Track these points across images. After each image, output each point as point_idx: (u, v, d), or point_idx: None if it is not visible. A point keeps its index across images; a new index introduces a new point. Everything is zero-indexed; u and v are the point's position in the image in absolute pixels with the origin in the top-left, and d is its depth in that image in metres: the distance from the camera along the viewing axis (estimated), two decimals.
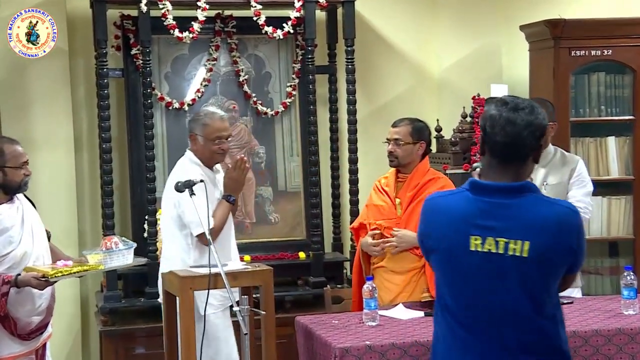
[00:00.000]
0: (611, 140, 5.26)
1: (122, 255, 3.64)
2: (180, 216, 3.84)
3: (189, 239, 3.84)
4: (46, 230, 3.74)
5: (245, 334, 3.33)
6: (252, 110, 5.35)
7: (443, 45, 5.74)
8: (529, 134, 2.31)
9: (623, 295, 3.68)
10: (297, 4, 5.06)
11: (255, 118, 5.36)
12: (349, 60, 5.22)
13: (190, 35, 4.95)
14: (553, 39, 5.18)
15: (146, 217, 4.91)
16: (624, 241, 5.30)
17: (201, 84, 5.25)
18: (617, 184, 5.30)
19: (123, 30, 5.14)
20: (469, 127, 5.24)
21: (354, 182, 5.30)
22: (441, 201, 2.42)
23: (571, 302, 3.88)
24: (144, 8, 4.81)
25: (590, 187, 4.20)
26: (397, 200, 3.96)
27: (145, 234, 4.92)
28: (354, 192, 5.29)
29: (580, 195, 4.12)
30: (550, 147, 4.15)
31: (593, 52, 5.20)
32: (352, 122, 5.29)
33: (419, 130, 4.00)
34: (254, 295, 3.72)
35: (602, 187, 5.09)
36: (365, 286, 3.58)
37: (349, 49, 5.22)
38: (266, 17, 5.03)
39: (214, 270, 3.45)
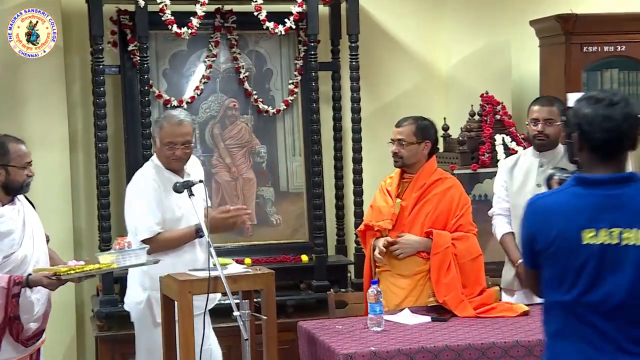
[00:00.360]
0: None
1: (135, 255, 3.67)
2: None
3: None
4: (45, 234, 3.76)
5: (246, 339, 3.33)
6: (253, 109, 5.35)
7: (450, 40, 5.74)
8: (628, 127, 2.45)
9: None
10: None
11: (256, 116, 5.36)
12: (353, 57, 5.22)
13: (189, 31, 4.95)
14: (564, 34, 5.17)
15: None
16: None
17: (200, 81, 5.26)
18: None
19: (120, 25, 5.15)
20: (477, 126, 5.24)
21: (358, 182, 5.30)
22: (548, 200, 2.50)
23: None
24: (141, 3, 4.82)
25: None
26: (398, 201, 3.96)
27: None
28: (358, 193, 5.30)
29: None
30: (560, 147, 4.15)
31: (606, 48, 5.19)
32: (356, 121, 5.29)
33: (423, 129, 4.00)
34: (255, 300, 3.73)
35: None
36: (370, 290, 3.58)
37: (353, 44, 5.22)
38: (267, 12, 5.03)
39: (213, 273, 3.45)
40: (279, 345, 3.66)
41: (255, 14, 5.03)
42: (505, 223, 4.20)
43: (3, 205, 3.54)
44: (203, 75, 5.26)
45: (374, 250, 3.99)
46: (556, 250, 2.41)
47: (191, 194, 3.69)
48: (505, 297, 4.15)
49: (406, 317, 3.70)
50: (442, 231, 3.88)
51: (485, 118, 5.24)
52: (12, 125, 4.92)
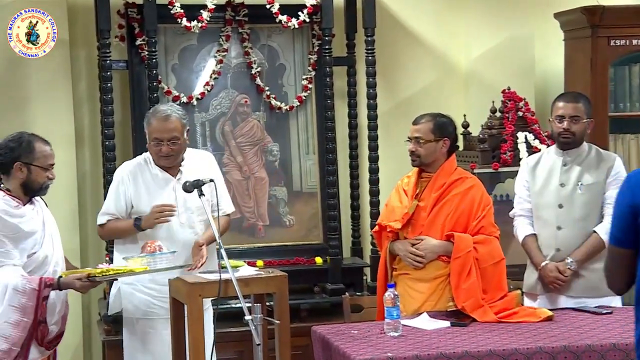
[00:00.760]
0: None
1: (166, 258, 3.75)
2: None
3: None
4: None
5: (258, 344, 3.34)
6: (265, 105, 5.37)
7: (471, 34, 5.73)
8: None
9: None
10: None
11: (269, 113, 5.37)
12: (369, 51, 5.22)
13: (199, 25, 4.97)
14: (590, 27, 5.16)
15: None
16: None
17: (211, 77, 5.27)
18: None
19: (127, 19, 5.17)
20: (499, 123, 5.23)
21: (374, 182, 5.30)
22: None
23: (610, 312, 3.87)
24: None
25: None
26: (415, 202, 3.96)
27: None
28: (374, 193, 5.30)
29: None
30: (585, 145, 4.14)
31: (634, 42, 5.17)
32: (373, 118, 5.29)
33: (441, 127, 3.99)
34: (268, 304, 3.74)
35: None
36: (386, 294, 3.58)
37: (369, 38, 5.22)
38: (280, 5, 5.04)
39: (224, 276, 3.47)
40: (292, 350, 3.67)
41: (268, 6, 5.04)
42: (527, 224, 4.19)
43: (24, 205, 3.59)
44: (213, 71, 5.27)
45: (391, 254, 3.99)
46: None
47: (201, 194, 3.72)
48: (527, 302, 4.15)
49: (424, 322, 3.70)
50: (464, 234, 3.87)
51: (507, 115, 5.23)
52: (16, 122, 4.95)
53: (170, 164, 3.96)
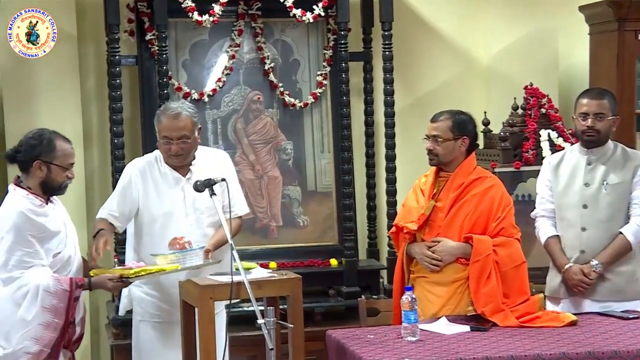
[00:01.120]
0: None
1: (196, 255, 3.77)
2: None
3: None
4: None
5: (271, 349, 3.35)
6: (279, 102, 5.37)
7: (492, 28, 5.71)
8: None
9: None
10: None
11: (282, 110, 5.38)
12: (387, 46, 5.22)
13: (211, 19, 4.98)
14: (617, 20, 5.14)
15: None
16: None
17: (222, 73, 5.29)
18: None
19: (137, 13, 5.19)
20: (521, 121, 5.22)
21: (391, 181, 5.30)
22: None
23: (637, 317, 3.85)
24: None
25: None
26: (431, 202, 3.95)
27: None
28: (391, 193, 5.30)
29: None
30: (610, 143, 4.13)
31: None
32: (390, 115, 5.29)
33: (460, 124, 3.98)
34: (281, 307, 3.74)
35: None
36: (404, 297, 3.58)
37: (386, 33, 5.22)
38: None
39: (236, 278, 3.48)
40: (306, 355, 3.68)
41: (282, 0, 5.05)
42: (549, 225, 4.17)
43: (46, 204, 3.61)
44: (225, 67, 5.29)
45: (408, 256, 3.99)
46: None
47: (212, 194, 3.73)
48: (550, 306, 4.13)
49: (443, 327, 3.70)
50: (483, 236, 3.86)
51: (529, 112, 5.22)
52: (23, 120, 4.99)
53: (180, 163, 3.97)
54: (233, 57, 5.29)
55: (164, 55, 4.96)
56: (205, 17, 4.97)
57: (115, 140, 4.95)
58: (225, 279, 3.56)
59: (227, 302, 3.69)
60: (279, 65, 5.38)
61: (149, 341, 4.00)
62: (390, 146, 5.29)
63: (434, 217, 3.96)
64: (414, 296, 3.58)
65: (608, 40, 5.23)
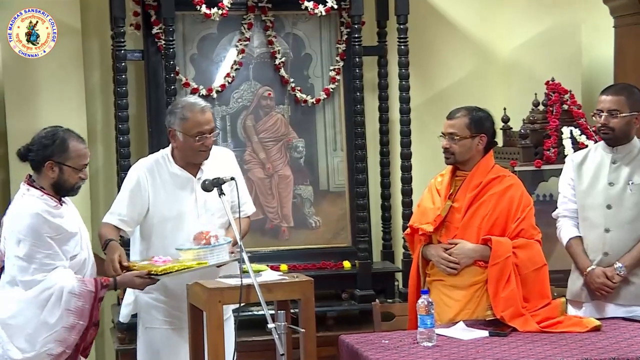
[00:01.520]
0: None
1: (223, 250, 3.77)
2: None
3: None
4: None
5: (282, 355, 3.36)
6: (290, 98, 5.39)
7: (512, 21, 5.71)
8: None
9: None
10: None
11: (294, 107, 5.39)
12: (402, 40, 5.22)
13: (220, 12, 5.00)
14: None
15: None
16: None
17: (232, 68, 5.30)
18: None
19: (143, 6, 5.21)
20: (542, 117, 5.22)
21: (406, 180, 5.30)
22: None
23: None
24: None
25: None
26: (448, 202, 3.96)
27: None
28: (407, 193, 5.30)
29: None
30: (635, 141, 4.11)
31: None
32: (405, 112, 5.29)
33: (477, 122, 3.98)
34: (292, 311, 3.75)
35: None
36: (420, 301, 3.58)
37: (401, 26, 5.22)
38: None
39: (246, 281, 3.49)
40: None
41: None
42: (571, 226, 4.17)
43: (61, 206, 3.63)
44: (235, 61, 5.30)
45: (424, 259, 3.99)
46: None
47: (221, 193, 3.74)
48: (572, 310, 4.13)
49: (461, 331, 3.70)
50: (502, 238, 3.86)
51: (551, 108, 5.21)
52: (25, 117, 5.02)
53: (206, 158, 3.99)
54: (243, 51, 5.30)
55: (171, 50, 4.98)
56: (214, 10, 4.98)
57: (121, 138, 4.97)
58: (235, 281, 3.57)
59: (236, 306, 3.70)
60: (290, 60, 5.39)
61: (157, 348, 4.01)
62: (406, 144, 5.30)
63: (451, 218, 3.96)
64: (430, 300, 3.59)
65: (634, 33, 5.21)
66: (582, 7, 5.67)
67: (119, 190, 5.04)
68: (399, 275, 5.36)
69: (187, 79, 5.23)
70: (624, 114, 4.02)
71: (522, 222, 3.90)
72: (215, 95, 5.24)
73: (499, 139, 5.24)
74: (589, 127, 5.16)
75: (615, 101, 4.03)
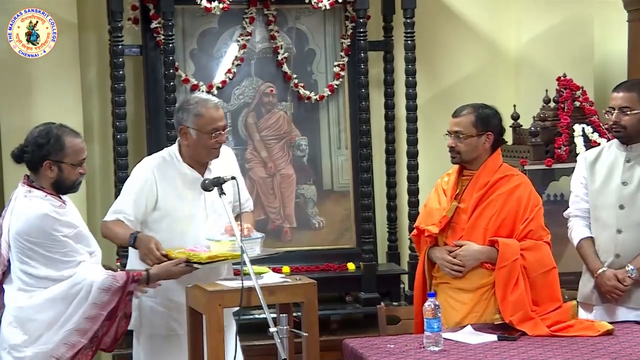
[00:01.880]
0: None
1: (257, 243, 3.78)
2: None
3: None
4: None
5: (284, 359, 3.37)
6: (293, 94, 5.40)
7: (522, 15, 5.71)
8: None
9: None
10: None
11: (297, 103, 5.41)
12: (409, 35, 5.23)
13: (221, 6, 5.01)
14: None
15: None
16: None
17: (233, 64, 5.31)
18: None
19: (141, 0, 5.22)
20: (553, 114, 5.22)
21: (413, 180, 5.31)
22: None
23: None
24: None
25: None
26: (454, 203, 3.96)
27: None
28: (413, 192, 5.31)
29: None
30: None
31: None
32: (412, 109, 5.30)
33: (484, 119, 3.98)
34: (295, 314, 3.76)
35: None
36: (426, 304, 3.59)
37: (408, 21, 5.23)
38: None
39: (247, 284, 3.50)
40: None
41: None
42: (583, 226, 4.17)
43: (64, 205, 3.65)
44: (236, 57, 5.31)
45: (430, 261, 4.00)
46: None
47: (222, 193, 3.75)
48: (582, 314, 4.13)
49: (468, 336, 3.71)
50: (509, 240, 3.86)
51: (562, 105, 5.22)
52: (20, 114, 5.03)
53: (217, 156, 3.99)
54: (244, 46, 5.31)
55: (170, 45, 4.99)
56: (215, 3, 4.99)
57: (118, 136, 4.98)
58: (235, 284, 3.58)
59: (237, 310, 3.70)
60: (293, 55, 5.40)
61: (160, 355, 3.99)
62: (412, 142, 5.30)
63: (457, 219, 3.97)
64: (437, 303, 3.59)
65: None
66: (595, 0, 5.67)
67: (116, 189, 5.08)
68: (404, 278, 5.37)
69: (186, 75, 5.24)
70: (636, 111, 4.02)
71: (530, 223, 3.90)
72: (215, 92, 5.24)
73: (509, 137, 5.25)
74: (601, 124, 5.16)
75: (626, 98, 4.03)
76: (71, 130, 3.69)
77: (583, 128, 5.16)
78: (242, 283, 3.52)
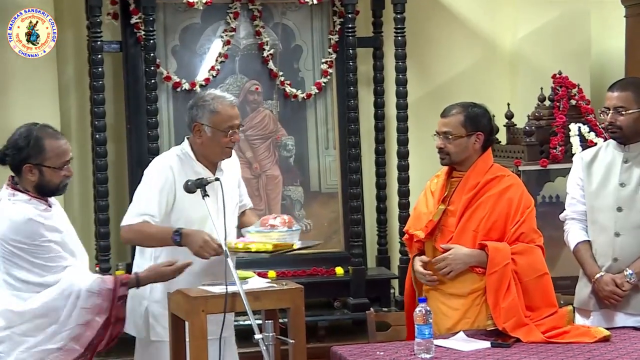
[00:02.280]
0: None
1: (296, 236, 3.81)
2: None
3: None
4: None
5: None
6: (279, 93, 5.40)
7: (517, 11, 5.73)
8: None
9: None
10: None
11: (283, 102, 5.41)
12: (399, 31, 5.25)
13: (203, 0, 5.01)
14: None
15: None
16: None
17: (216, 61, 5.32)
18: None
19: None
20: (548, 113, 5.24)
21: (403, 181, 5.33)
22: None
23: None
24: None
25: None
26: (441, 207, 3.97)
27: None
28: (404, 194, 5.32)
29: None
30: None
31: None
32: (402, 107, 5.31)
33: (473, 119, 3.98)
34: (281, 321, 3.77)
35: None
36: (417, 310, 3.59)
37: (398, 16, 5.24)
38: None
39: (231, 289, 3.50)
40: None
41: None
42: (579, 229, 4.18)
43: (50, 208, 3.63)
44: (220, 53, 5.32)
45: (413, 271, 4.02)
46: None
47: (205, 195, 3.75)
48: (579, 319, 4.15)
49: (461, 342, 3.72)
50: (500, 244, 3.86)
51: (557, 103, 5.23)
52: None
53: (230, 156, 4.00)
54: (228, 42, 5.32)
55: (152, 41, 4.99)
56: None
57: (97, 136, 4.98)
58: (219, 289, 3.58)
59: (232, 323, 3.71)
60: (279, 51, 5.41)
61: None
62: (403, 142, 5.32)
63: (445, 222, 3.96)
64: (428, 309, 3.60)
65: None
66: None
67: (95, 191, 5.07)
68: (394, 282, 5.39)
69: (168, 73, 5.25)
70: (631, 111, 4.03)
71: (521, 226, 3.89)
72: (198, 90, 5.24)
73: (502, 137, 5.28)
74: (598, 123, 5.18)
75: (621, 98, 4.04)
76: (54, 131, 3.68)
77: (579, 127, 5.18)
78: (227, 288, 3.52)
